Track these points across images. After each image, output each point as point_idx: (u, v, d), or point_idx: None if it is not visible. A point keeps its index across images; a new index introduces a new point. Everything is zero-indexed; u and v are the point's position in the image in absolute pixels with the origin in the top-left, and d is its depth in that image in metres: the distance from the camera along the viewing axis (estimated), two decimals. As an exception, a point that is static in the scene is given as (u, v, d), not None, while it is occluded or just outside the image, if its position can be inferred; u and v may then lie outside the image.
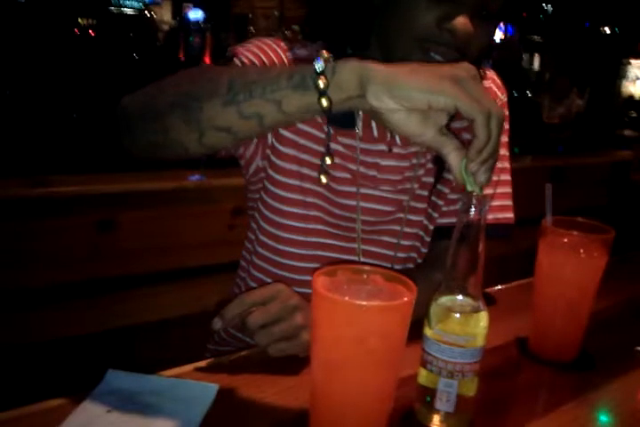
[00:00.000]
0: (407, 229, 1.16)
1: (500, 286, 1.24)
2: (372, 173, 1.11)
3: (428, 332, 0.74)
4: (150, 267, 1.48)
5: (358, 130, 1.08)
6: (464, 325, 0.71)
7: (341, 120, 1.05)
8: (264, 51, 1.04)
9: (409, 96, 0.67)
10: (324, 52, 0.72)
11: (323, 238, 1.13)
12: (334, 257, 1.13)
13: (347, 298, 0.64)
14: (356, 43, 1.05)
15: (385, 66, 0.70)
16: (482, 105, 0.67)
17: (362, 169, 1.10)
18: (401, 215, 1.15)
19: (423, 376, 0.75)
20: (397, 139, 1.11)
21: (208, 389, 0.81)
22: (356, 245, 1.13)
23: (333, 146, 1.08)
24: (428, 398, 0.75)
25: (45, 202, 1.35)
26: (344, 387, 0.67)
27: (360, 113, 1.07)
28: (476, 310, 0.72)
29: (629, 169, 2.73)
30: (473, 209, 0.70)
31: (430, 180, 1.15)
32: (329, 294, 0.64)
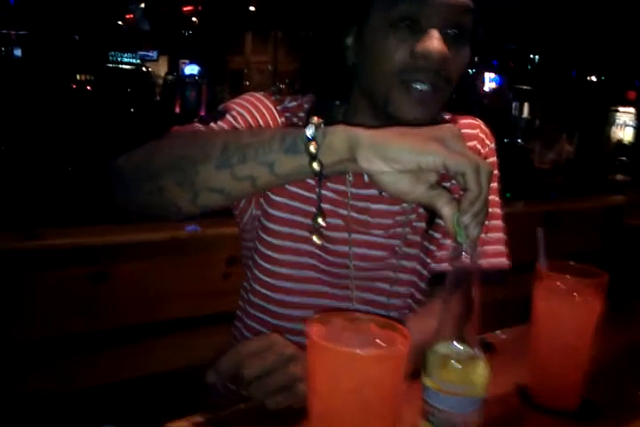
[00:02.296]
0: (400, 276, 1.16)
1: (498, 333, 1.22)
2: (364, 217, 1.12)
3: (425, 381, 0.72)
4: (145, 318, 1.47)
5: (349, 176, 1.10)
6: (461, 373, 0.70)
7: None
8: (255, 105, 1.07)
9: (399, 158, 0.69)
10: (316, 118, 0.75)
11: (316, 285, 1.12)
12: (328, 304, 1.12)
13: (341, 346, 0.63)
14: (338, 91, 1.10)
15: (372, 130, 0.73)
16: (469, 159, 0.69)
17: (353, 214, 1.11)
18: (393, 261, 1.15)
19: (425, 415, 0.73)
20: None
21: None
22: (349, 293, 1.13)
23: (324, 192, 1.09)
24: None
25: (39, 255, 1.34)
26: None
27: None
28: (473, 358, 0.71)
29: (622, 213, 2.74)
30: (464, 255, 0.70)
31: (422, 225, 1.16)
32: (323, 343, 0.63)
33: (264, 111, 1.07)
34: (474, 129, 1.19)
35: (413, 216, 1.14)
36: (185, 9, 18.47)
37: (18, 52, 17.76)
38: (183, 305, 1.51)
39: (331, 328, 0.68)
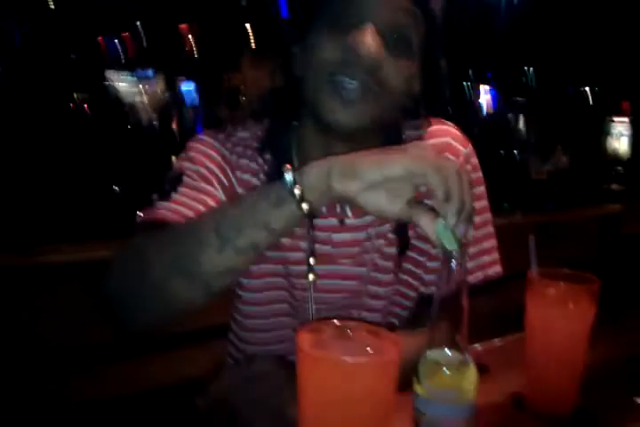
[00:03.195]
0: (371, 302, 1.13)
1: (492, 342, 1.22)
2: (327, 248, 1.09)
3: (417, 388, 0.72)
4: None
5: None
6: (452, 379, 0.70)
7: None
8: (203, 153, 1.06)
9: (365, 173, 0.72)
10: (287, 165, 0.78)
11: (289, 321, 1.12)
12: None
13: (331, 354, 0.63)
14: (287, 107, 1.08)
15: (342, 156, 0.76)
16: (430, 161, 0.71)
17: (315, 245, 1.08)
18: (362, 288, 1.12)
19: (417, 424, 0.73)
20: (348, 210, 1.09)
21: None
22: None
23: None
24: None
25: (35, 271, 1.34)
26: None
27: None
28: (464, 364, 0.71)
29: (619, 222, 2.75)
30: (454, 263, 0.70)
31: (392, 250, 1.12)
32: (313, 351, 0.63)
33: (215, 156, 1.06)
34: (443, 137, 1.13)
35: (382, 241, 1.11)
36: (181, 27, 18.62)
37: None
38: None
39: (321, 336, 0.68)
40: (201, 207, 0.98)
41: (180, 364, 1.51)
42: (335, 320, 0.70)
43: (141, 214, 0.97)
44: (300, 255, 1.08)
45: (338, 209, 1.09)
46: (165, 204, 0.97)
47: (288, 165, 0.78)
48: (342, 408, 0.63)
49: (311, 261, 1.02)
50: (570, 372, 0.92)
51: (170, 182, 1.01)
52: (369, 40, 0.90)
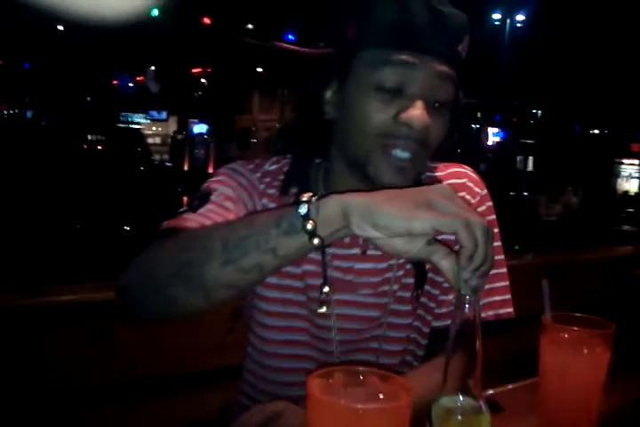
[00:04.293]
0: (391, 333, 1.13)
1: (505, 388, 1.19)
2: (349, 277, 1.10)
3: (431, 430, 0.71)
4: (149, 374, 1.45)
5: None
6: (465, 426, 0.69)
7: None
8: (233, 178, 1.09)
9: (388, 225, 0.71)
10: (304, 195, 0.77)
11: (308, 350, 1.11)
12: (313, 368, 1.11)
13: (342, 401, 0.62)
14: (316, 147, 1.11)
15: (363, 195, 0.75)
16: (459, 217, 0.69)
17: (337, 274, 1.09)
18: (382, 320, 1.12)
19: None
20: None
21: None
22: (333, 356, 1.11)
23: None
24: None
25: (42, 311, 1.34)
26: None
27: None
28: (478, 411, 0.69)
29: (630, 264, 2.72)
30: (467, 307, 0.69)
31: (410, 280, 1.13)
32: (324, 397, 0.62)
33: (243, 182, 1.09)
34: (460, 178, 1.17)
35: (401, 272, 1.12)
36: (194, 71, 19.05)
37: (29, 114, 18.27)
38: (186, 361, 1.49)
39: (332, 382, 0.67)
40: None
41: (188, 405, 1.48)
42: (346, 366, 0.68)
43: (166, 222, 1.00)
44: (321, 282, 1.09)
45: (360, 240, 1.09)
46: (190, 215, 0.99)
47: (306, 196, 0.77)
48: (353, 456, 0.62)
49: (325, 289, 1.02)
50: (584, 418, 0.90)
51: (197, 199, 1.03)
52: (423, 115, 0.96)
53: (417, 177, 1.06)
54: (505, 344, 1.36)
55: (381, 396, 0.66)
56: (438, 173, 1.17)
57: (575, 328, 0.89)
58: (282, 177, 1.12)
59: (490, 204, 1.18)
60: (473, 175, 1.19)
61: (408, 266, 1.13)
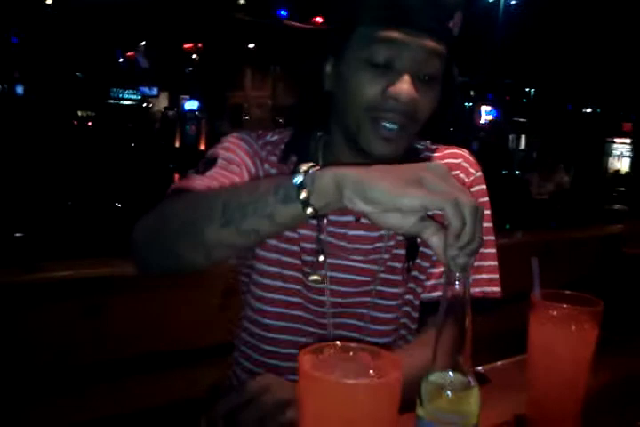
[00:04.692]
0: (380, 301, 1.16)
1: (494, 364, 1.21)
2: (342, 243, 1.14)
3: (420, 411, 0.72)
4: (141, 351, 1.45)
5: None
6: (455, 402, 0.70)
7: None
8: (238, 145, 1.14)
9: (378, 200, 0.72)
10: (303, 164, 0.79)
11: (301, 312, 1.15)
12: (304, 329, 1.15)
13: (333, 376, 0.63)
14: (316, 119, 1.16)
15: (358, 169, 0.75)
16: (448, 196, 0.70)
17: (330, 239, 1.14)
18: (371, 287, 1.16)
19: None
20: None
21: None
22: (326, 317, 1.15)
23: None
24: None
25: (36, 287, 1.34)
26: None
27: None
28: (467, 387, 0.70)
29: (621, 243, 2.74)
30: (457, 283, 0.70)
31: (401, 252, 1.17)
32: (315, 373, 0.63)
33: (247, 148, 1.14)
34: (457, 159, 1.20)
35: (392, 243, 1.16)
36: (185, 46, 18.82)
37: (20, 90, 18.04)
38: (179, 338, 1.49)
39: (323, 358, 0.67)
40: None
41: (181, 382, 1.50)
42: (337, 342, 0.69)
43: (175, 183, 1.05)
44: (314, 246, 1.14)
45: None
46: (198, 176, 1.04)
47: (304, 166, 0.78)
48: (343, 431, 0.63)
49: (321, 258, 1.10)
50: (572, 393, 0.91)
51: (203, 164, 1.08)
52: (409, 89, 1.01)
53: (407, 149, 1.11)
54: (495, 322, 1.37)
55: (372, 371, 0.66)
56: (436, 154, 1.21)
57: (564, 305, 0.90)
58: (282, 146, 1.17)
59: (484, 186, 1.20)
60: (469, 157, 1.22)
61: (399, 237, 1.16)
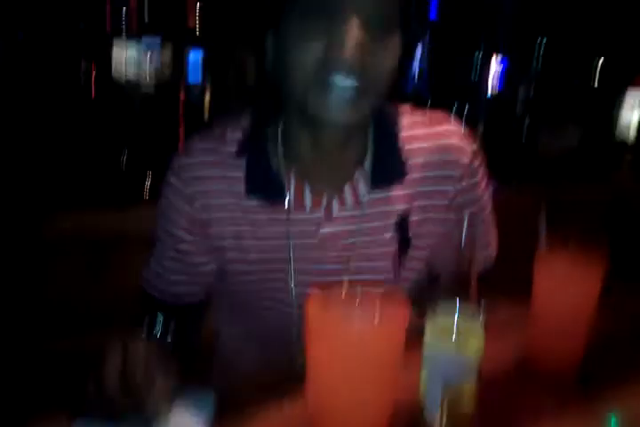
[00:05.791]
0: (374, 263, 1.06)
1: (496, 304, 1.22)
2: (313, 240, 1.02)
3: (426, 339, 0.73)
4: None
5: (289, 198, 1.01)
6: (460, 332, 0.71)
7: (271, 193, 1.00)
8: (170, 205, 1.04)
9: None
10: None
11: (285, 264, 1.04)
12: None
13: (340, 318, 0.64)
14: (267, 102, 1.01)
15: None
16: None
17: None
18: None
19: (424, 383, 0.75)
20: (334, 204, 1.02)
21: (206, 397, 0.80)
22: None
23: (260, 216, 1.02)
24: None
25: (42, 240, 1.35)
26: (342, 405, 0.66)
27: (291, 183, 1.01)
28: (472, 318, 0.71)
29: (630, 199, 2.74)
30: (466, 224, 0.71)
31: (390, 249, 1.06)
32: (322, 315, 0.64)
33: (181, 206, 1.02)
34: (449, 138, 1.05)
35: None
36: (189, -5, 18.39)
37: (20, 35, 17.75)
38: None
39: (330, 300, 0.68)
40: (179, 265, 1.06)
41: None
42: (345, 283, 0.69)
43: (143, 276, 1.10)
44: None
45: (324, 202, 1.02)
46: (152, 267, 1.09)
47: None
48: (351, 370, 0.64)
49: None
50: (575, 332, 0.92)
51: (154, 242, 1.07)
52: (355, 34, 0.81)
53: (375, 115, 0.96)
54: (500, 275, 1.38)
55: (378, 312, 0.67)
56: (421, 131, 1.05)
57: (569, 248, 0.91)
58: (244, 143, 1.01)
59: (479, 160, 1.08)
60: (461, 132, 1.07)
61: (386, 234, 1.04)
